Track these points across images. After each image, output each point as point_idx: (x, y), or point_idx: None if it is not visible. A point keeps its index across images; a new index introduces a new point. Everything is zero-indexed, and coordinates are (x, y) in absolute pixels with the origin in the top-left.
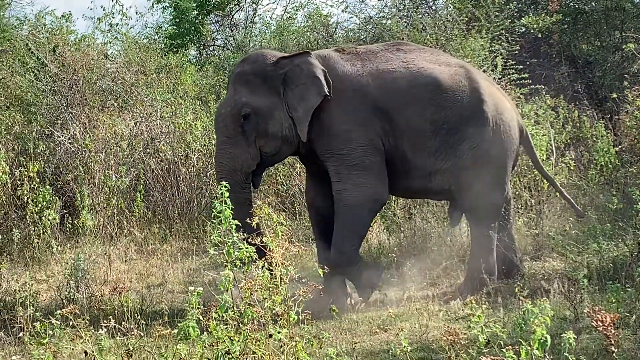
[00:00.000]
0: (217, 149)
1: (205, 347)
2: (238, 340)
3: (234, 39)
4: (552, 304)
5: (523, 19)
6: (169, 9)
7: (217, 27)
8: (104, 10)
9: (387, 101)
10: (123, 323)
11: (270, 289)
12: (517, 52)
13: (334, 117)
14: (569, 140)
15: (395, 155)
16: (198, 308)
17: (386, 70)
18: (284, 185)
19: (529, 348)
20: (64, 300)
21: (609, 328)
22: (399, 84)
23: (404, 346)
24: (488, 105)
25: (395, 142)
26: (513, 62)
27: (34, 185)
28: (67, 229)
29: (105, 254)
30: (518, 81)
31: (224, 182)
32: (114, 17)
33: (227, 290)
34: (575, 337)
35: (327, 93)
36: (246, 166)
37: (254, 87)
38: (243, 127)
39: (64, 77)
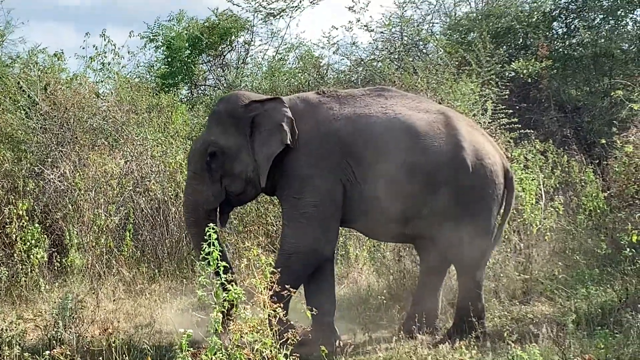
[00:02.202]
0: (185, 183)
1: None
2: None
3: (225, 79)
4: (540, 349)
5: (513, 64)
6: (162, 48)
7: (209, 67)
8: (96, 49)
9: (361, 146)
10: None
11: (260, 331)
12: (507, 96)
13: (299, 160)
14: (557, 185)
15: (370, 201)
16: (188, 350)
17: (363, 114)
18: (274, 226)
19: None
20: (52, 340)
21: None
22: (374, 129)
23: None
24: (466, 151)
25: (369, 187)
26: (503, 107)
27: (23, 223)
28: (55, 268)
29: (93, 293)
30: (508, 125)
31: (188, 216)
32: (106, 56)
33: (215, 332)
34: None
35: (289, 143)
36: (207, 203)
37: (224, 126)
38: (209, 165)
39: (55, 116)
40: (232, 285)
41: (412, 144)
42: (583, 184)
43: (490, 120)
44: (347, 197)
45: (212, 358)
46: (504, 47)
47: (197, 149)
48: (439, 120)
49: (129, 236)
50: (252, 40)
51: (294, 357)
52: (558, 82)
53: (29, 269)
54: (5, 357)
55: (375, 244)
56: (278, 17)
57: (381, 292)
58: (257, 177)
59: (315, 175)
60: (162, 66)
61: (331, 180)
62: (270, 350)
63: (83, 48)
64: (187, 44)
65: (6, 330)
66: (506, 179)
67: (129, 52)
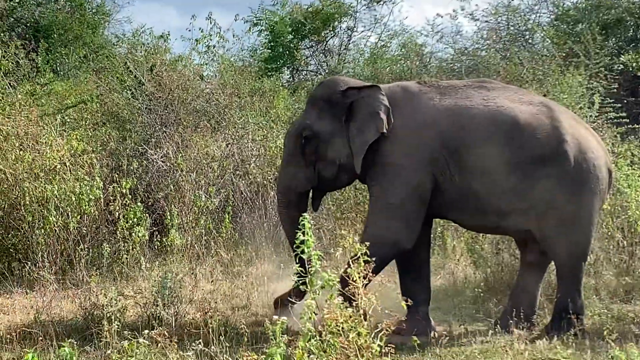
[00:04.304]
0: (280, 165)
1: None
2: None
3: (327, 65)
4: None
5: (622, 56)
6: (265, 32)
7: (311, 52)
8: (202, 32)
9: (460, 138)
10: (210, 347)
11: (355, 320)
12: (615, 90)
13: (394, 150)
14: None
15: (467, 194)
16: (282, 336)
17: (464, 106)
18: None
19: None
20: (150, 318)
21: None
22: (475, 121)
23: None
24: (569, 144)
25: (466, 180)
26: (611, 100)
27: (126, 201)
28: (156, 247)
29: (192, 273)
30: (615, 120)
31: (280, 198)
32: (211, 39)
33: (309, 319)
34: None
35: (384, 131)
36: (300, 186)
37: (321, 111)
38: (303, 148)
39: (159, 97)
40: (326, 272)
41: (513, 137)
42: None
43: (597, 114)
44: (441, 190)
45: (306, 345)
46: (613, 39)
47: (293, 132)
48: (542, 113)
49: (228, 218)
50: (355, 27)
51: (388, 347)
52: None
53: (131, 247)
54: (105, 332)
55: (473, 236)
56: (381, 3)
57: (478, 285)
58: (351, 164)
59: (408, 166)
60: (265, 50)
61: (423, 174)
62: (365, 340)
63: (189, 30)
64: (290, 29)
65: (107, 305)
66: (609, 176)
67: (233, 36)
